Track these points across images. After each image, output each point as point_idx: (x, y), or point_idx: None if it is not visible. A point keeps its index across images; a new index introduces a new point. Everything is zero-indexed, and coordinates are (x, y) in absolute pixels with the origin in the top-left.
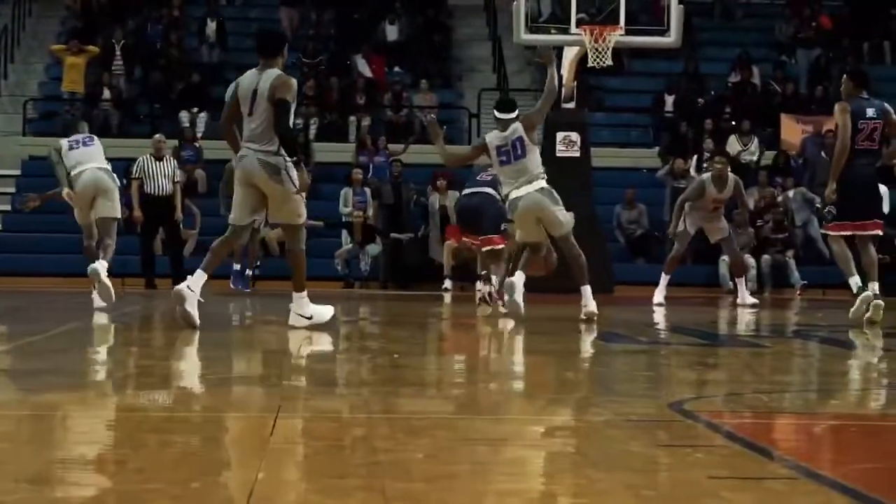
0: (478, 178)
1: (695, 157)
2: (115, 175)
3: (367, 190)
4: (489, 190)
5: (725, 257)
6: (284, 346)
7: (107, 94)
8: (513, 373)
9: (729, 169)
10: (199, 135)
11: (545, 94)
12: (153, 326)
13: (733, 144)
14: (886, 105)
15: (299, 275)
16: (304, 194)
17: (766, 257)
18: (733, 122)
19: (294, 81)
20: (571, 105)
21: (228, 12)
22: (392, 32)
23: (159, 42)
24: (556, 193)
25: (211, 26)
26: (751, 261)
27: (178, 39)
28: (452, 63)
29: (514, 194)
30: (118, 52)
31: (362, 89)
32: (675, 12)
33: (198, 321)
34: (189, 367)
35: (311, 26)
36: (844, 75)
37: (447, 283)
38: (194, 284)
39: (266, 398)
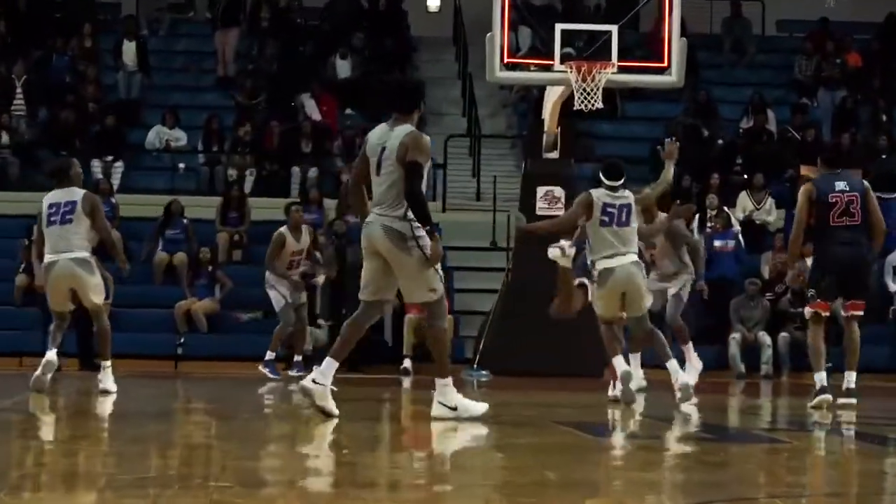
0: None
1: (697, 216)
2: (91, 261)
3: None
4: None
5: (736, 335)
6: (212, 440)
7: (4, 138)
8: (484, 472)
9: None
10: (114, 188)
11: (661, 183)
12: (56, 416)
13: (744, 202)
14: (866, 182)
15: (441, 358)
16: (438, 266)
17: (783, 335)
18: (745, 176)
19: (427, 140)
20: (554, 155)
21: (152, 44)
22: (343, 68)
23: (68, 77)
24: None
25: (129, 47)
26: (766, 339)
27: (92, 73)
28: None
29: (605, 264)
30: (19, 89)
31: (308, 135)
32: (677, 46)
33: (336, 411)
34: (99, 466)
35: (249, 60)
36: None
37: (407, 364)
38: (322, 377)
39: (190, 501)
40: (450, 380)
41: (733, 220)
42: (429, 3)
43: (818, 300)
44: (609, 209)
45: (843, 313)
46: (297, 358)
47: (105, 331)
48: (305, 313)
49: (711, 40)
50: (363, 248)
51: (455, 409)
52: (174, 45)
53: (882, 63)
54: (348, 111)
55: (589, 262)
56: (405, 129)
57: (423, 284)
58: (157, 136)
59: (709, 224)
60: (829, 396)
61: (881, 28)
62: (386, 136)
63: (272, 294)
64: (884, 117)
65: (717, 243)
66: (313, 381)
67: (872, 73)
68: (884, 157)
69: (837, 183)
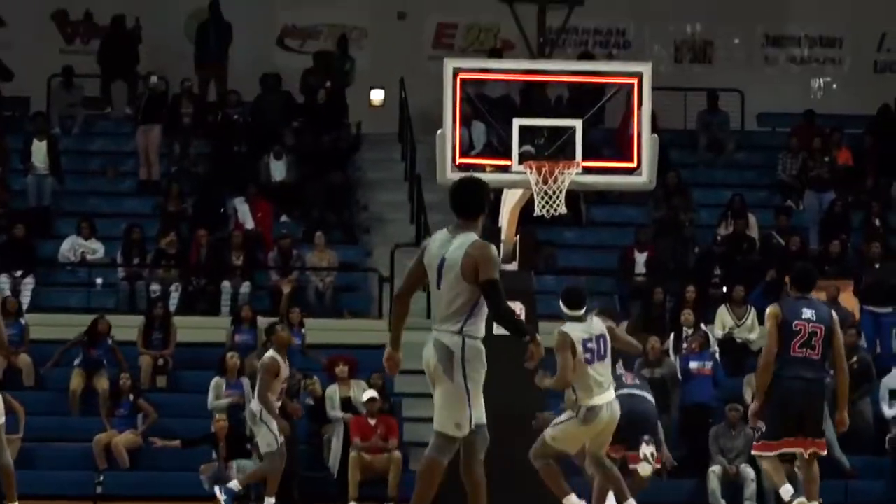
0: (624, 380)
1: (672, 334)
2: None
3: (245, 381)
4: (648, 395)
5: (716, 468)
6: None
7: None
8: None
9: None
10: (24, 306)
11: (633, 349)
12: None
13: (724, 317)
14: (834, 315)
15: (422, 496)
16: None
17: None
18: (724, 289)
19: (494, 250)
20: (513, 266)
21: (64, 143)
22: (278, 170)
23: None
24: None
25: (39, 148)
26: (749, 472)
27: None
28: (357, 210)
29: (592, 402)
30: None
31: (240, 245)
32: (648, 144)
33: None
34: None
35: (173, 160)
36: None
37: None
38: None
39: None
40: None
41: (711, 340)
42: (372, 95)
43: (769, 441)
44: (588, 345)
45: (800, 450)
46: (271, 500)
47: (8, 468)
48: (285, 449)
49: (686, 136)
50: (426, 374)
51: None
52: (89, 145)
53: (875, 161)
54: (284, 218)
55: (572, 398)
56: (468, 238)
57: (452, 415)
58: (71, 247)
59: (684, 344)
60: (803, 499)
61: (873, 121)
62: (447, 246)
63: (264, 434)
64: (877, 222)
65: (693, 365)
66: None
67: (864, 173)
68: (877, 266)
69: (805, 310)
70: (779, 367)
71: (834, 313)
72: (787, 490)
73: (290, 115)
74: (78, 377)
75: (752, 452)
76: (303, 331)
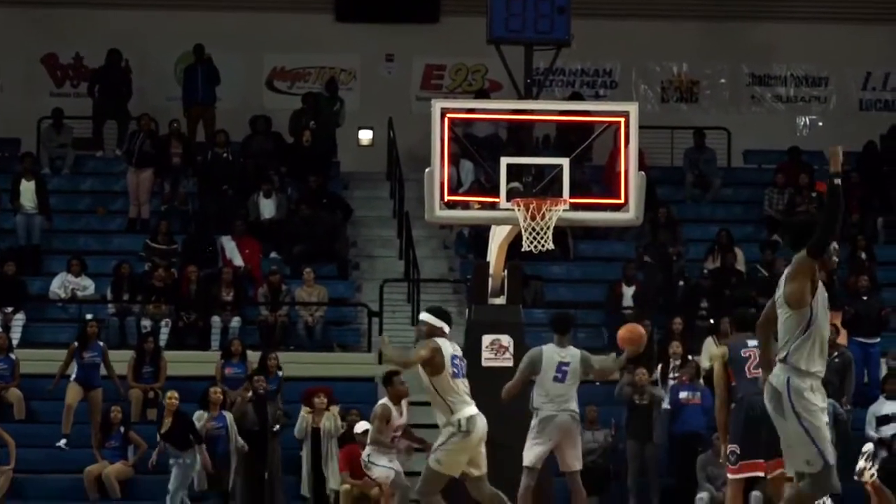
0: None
1: (659, 365)
2: None
3: (227, 414)
4: None
5: (703, 495)
6: None
7: None
8: None
9: None
10: (14, 342)
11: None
12: None
13: (711, 348)
14: None
15: None
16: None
17: (755, 494)
18: (711, 321)
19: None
20: (501, 300)
21: (54, 183)
22: (267, 208)
23: None
24: None
25: (28, 188)
26: None
27: None
28: (346, 247)
29: (469, 412)
30: None
31: (229, 281)
32: (635, 181)
33: None
34: None
35: (162, 200)
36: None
37: None
38: None
39: None
40: None
41: (702, 370)
42: (360, 135)
43: (743, 461)
44: (455, 361)
45: (763, 473)
46: None
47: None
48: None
49: (673, 173)
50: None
51: None
52: (79, 185)
53: (860, 196)
54: (272, 255)
55: (444, 419)
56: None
57: (799, 454)
58: (61, 284)
59: (672, 374)
60: None
61: (860, 157)
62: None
63: (377, 472)
64: (863, 255)
65: (682, 395)
66: None
67: (850, 208)
68: (865, 298)
69: (749, 341)
70: (737, 392)
71: None
72: None
73: (278, 155)
74: (73, 391)
75: (729, 476)
76: (279, 373)
